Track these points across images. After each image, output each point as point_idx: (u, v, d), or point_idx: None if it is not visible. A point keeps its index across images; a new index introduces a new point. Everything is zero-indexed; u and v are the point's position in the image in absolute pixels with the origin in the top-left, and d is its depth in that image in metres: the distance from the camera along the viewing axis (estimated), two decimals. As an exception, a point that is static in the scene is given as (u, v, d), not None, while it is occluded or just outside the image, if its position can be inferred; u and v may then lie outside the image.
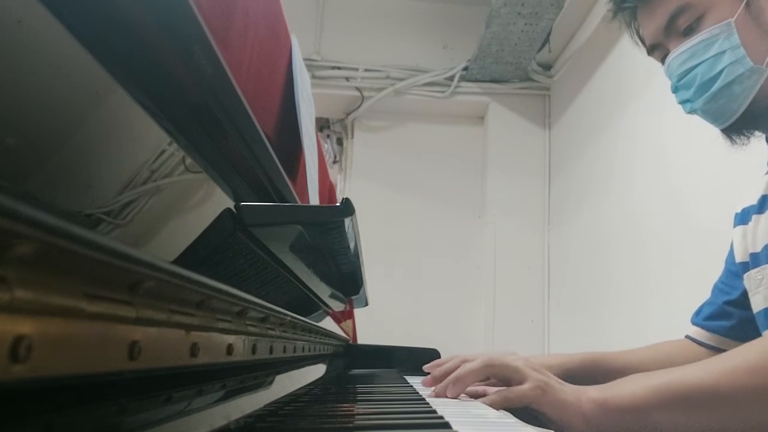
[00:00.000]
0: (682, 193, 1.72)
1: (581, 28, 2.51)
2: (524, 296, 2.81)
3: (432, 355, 1.49)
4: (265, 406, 0.48)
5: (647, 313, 1.88)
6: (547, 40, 2.59)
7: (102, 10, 0.28)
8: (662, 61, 0.85)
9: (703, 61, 0.78)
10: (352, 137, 3.05)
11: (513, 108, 2.96)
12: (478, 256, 2.92)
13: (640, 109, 1.98)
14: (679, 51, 0.80)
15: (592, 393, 0.69)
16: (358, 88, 2.89)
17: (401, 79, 2.90)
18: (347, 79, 2.90)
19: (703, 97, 0.79)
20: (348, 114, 3.02)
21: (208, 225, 0.41)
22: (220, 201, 0.43)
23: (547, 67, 2.89)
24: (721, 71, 0.77)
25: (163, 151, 0.33)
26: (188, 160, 0.37)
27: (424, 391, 0.80)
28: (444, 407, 0.62)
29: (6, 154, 0.20)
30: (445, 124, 3.08)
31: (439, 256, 2.93)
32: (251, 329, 0.42)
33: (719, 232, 1.53)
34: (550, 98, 2.96)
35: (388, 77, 2.91)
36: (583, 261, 2.44)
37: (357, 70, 2.89)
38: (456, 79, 2.90)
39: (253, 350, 0.43)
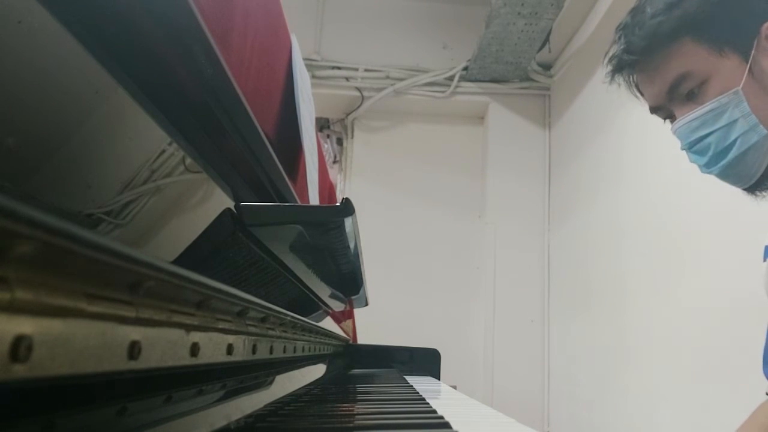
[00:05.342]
0: (684, 193, 1.72)
1: (581, 28, 2.51)
2: (524, 296, 2.81)
3: (432, 355, 1.49)
4: (265, 406, 0.48)
5: (647, 312, 1.88)
6: (547, 40, 2.59)
7: (102, 11, 0.28)
8: (665, 119, 0.83)
9: (715, 130, 0.76)
10: (352, 137, 3.05)
11: (513, 108, 2.96)
12: (478, 256, 2.92)
13: (641, 109, 1.98)
14: (688, 119, 0.78)
15: None
16: (358, 88, 2.89)
17: (401, 79, 2.90)
18: (347, 79, 2.90)
19: (719, 165, 0.78)
20: (348, 114, 3.02)
21: (208, 225, 0.41)
22: (220, 201, 0.43)
23: (547, 67, 2.89)
24: (735, 140, 0.75)
25: (163, 151, 0.33)
26: (188, 160, 0.37)
27: (424, 392, 0.80)
28: (444, 407, 0.62)
29: (6, 154, 0.20)
30: (445, 124, 3.08)
31: (439, 256, 2.93)
32: (251, 329, 0.42)
33: (725, 231, 1.53)
34: (550, 98, 2.96)
35: (388, 77, 2.90)
36: (583, 261, 2.44)
37: (357, 70, 2.89)
38: (456, 79, 2.90)
39: (253, 350, 0.43)
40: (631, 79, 0.84)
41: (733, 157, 0.76)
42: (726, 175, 0.79)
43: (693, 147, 0.80)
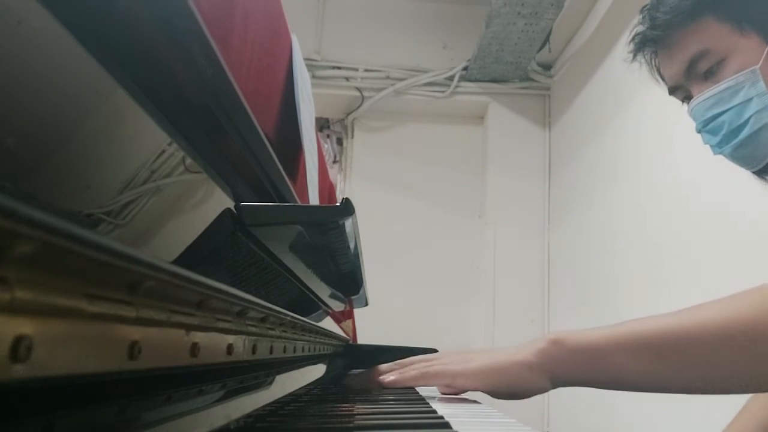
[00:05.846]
0: (684, 194, 1.72)
1: (581, 28, 2.51)
2: (524, 296, 2.81)
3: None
4: (265, 406, 0.48)
5: (647, 313, 1.88)
6: (547, 40, 2.59)
7: (102, 11, 0.28)
8: (683, 101, 0.83)
9: (729, 108, 0.76)
10: (352, 137, 3.05)
11: (513, 108, 2.96)
12: (478, 256, 2.92)
13: (641, 108, 1.98)
14: (704, 97, 0.78)
15: (547, 336, 0.70)
16: (358, 88, 2.89)
17: (401, 79, 2.90)
18: (347, 79, 2.90)
19: (731, 144, 0.78)
20: (348, 114, 3.02)
21: (208, 225, 0.41)
22: (220, 201, 0.43)
23: (547, 67, 2.89)
24: (749, 119, 0.76)
25: (163, 151, 0.33)
26: (188, 160, 0.37)
27: (424, 391, 0.80)
28: (444, 407, 0.62)
29: (6, 154, 0.20)
30: (445, 124, 3.08)
31: (439, 256, 2.93)
32: (251, 329, 0.42)
33: (723, 233, 1.53)
34: (550, 98, 2.95)
35: (388, 77, 2.90)
36: (583, 261, 2.44)
37: (357, 70, 2.89)
38: (456, 79, 2.90)
39: (253, 350, 0.43)
40: (652, 60, 0.84)
41: (745, 136, 0.76)
42: (737, 155, 0.79)
43: (707, 126, 0.80)
